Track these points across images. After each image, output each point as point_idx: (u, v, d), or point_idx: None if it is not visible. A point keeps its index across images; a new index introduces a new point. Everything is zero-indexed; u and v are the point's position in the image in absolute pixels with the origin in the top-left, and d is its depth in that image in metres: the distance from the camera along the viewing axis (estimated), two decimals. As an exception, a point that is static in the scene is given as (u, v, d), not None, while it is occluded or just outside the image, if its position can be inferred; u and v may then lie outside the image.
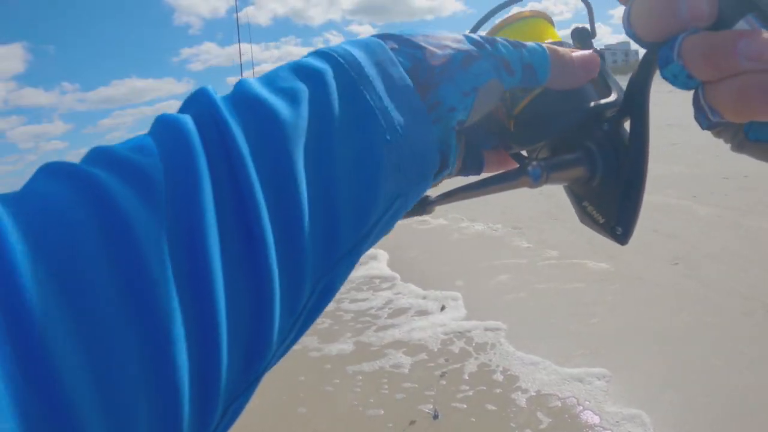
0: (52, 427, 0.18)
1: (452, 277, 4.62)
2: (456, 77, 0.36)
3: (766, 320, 2.95)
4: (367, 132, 0.32)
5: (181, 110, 0.30)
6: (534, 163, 0.40)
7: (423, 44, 0.37)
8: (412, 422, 2.78)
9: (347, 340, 3.98)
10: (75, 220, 0.21)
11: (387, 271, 5.33)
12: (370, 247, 0.37)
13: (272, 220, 0.27)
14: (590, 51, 0.43)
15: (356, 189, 0.32)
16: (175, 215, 0.23)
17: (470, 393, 2.88)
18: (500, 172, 0.44)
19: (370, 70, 0.34)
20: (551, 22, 0.50)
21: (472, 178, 0.48)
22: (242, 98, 0.30)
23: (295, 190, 0.28)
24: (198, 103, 0.30)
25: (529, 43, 0.41)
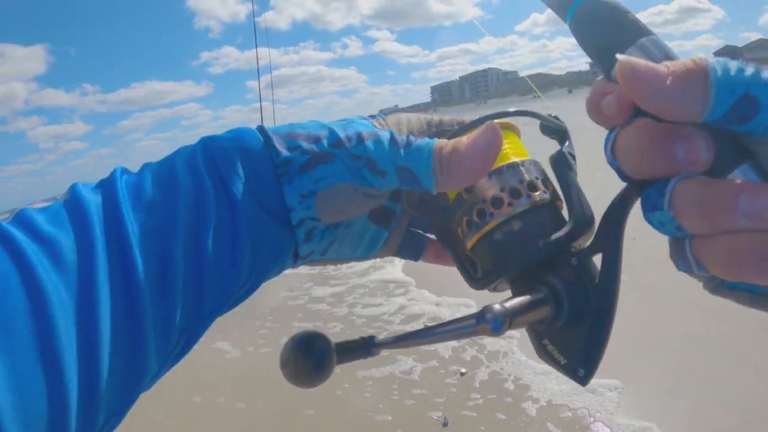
0: None
1: (466, 284, 4.51)
2: (294, 180, 0.38)
3: (782, 333, 2.91)
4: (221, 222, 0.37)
5: (97, 186, 0.36)
6: (495, 308, 0.34)
7: (275, 143, 0.39)
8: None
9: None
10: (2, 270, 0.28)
11: (401, 276, 5.35)
12: (230, 309, 0.40)
13: (150, 288, 0.33)
14: (487, 131, 0.38)
15: (220, 263, 0.36)
16: (76, 279, 0.30)
17: (480, 401, 2.88)
18: (453, 319, 0.38)
19: (236, 157, 0.38)
20: (515, 132, 0.46)
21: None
22: (140, 195, 0.35)
23: (172, 269, 0.34)
24: (107, 189, 0.35)
25: (419, 141, 0.39)
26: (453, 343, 3.57)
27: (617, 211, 0.35)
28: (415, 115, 0.47)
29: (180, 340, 0.36)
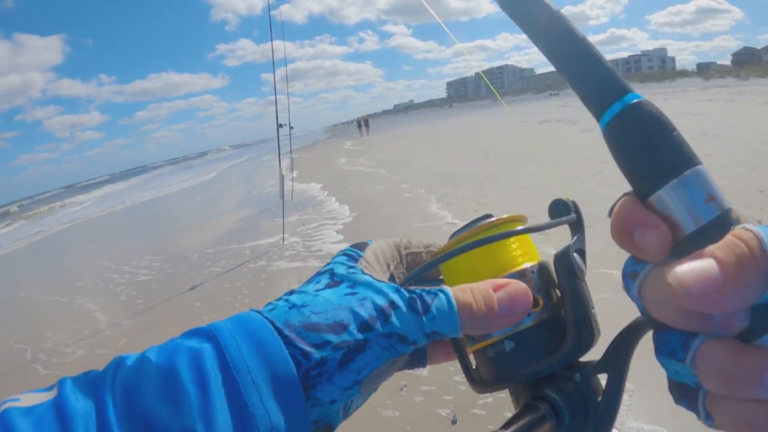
0: None
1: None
2: (334, 378, 0.36)
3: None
4: None
5: (91, 380, 0.35)
6: None
7: (299, 344, 0.36)
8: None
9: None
10: None
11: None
12: None
13: None
14: (519, 287, 0.39)
15: None
16: None
17: (490, 399, 2.85)
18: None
19: (258, 374, 0.35)
20: (524, 222, 0.45)
21: None
22: (131, 411, 0.32)
23: None
24: (97, 393, 0.33)
25: (436, 301, 0.39)
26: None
27: (628, 338, 0.35)
28: (386, 244, 0.49)
29: None
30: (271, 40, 7.13)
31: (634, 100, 0.30)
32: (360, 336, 0.37)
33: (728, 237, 0.26)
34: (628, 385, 2.14)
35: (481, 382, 0.43)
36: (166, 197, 22.56)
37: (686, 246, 0.28)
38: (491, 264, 0.42)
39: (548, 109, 29.37)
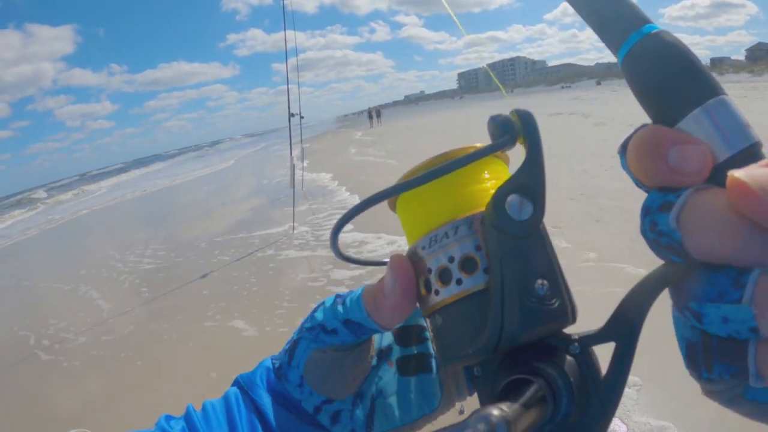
0: None
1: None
2: (288, 376, 0.46)
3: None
4: None
5: None
6: (493, 417, 0.24)
7: (275, 360, 0.51)
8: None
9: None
10: None
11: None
12: None
13: None
14: (389, 269, 0.36)
15: None
16: None
17: (496, 391, 2.85)
18: (449, 426, 0.28)
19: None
20: (503, 161, 0.39)
21: None
22: None
23: None
24: None
25: (353, 293, 0.42)
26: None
27: (644, 295, 0.30)
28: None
29: None
30: (284, 30, 7.12)
31: (653, 31, 0.28)
32: (295, 338, 0.47)
33: None
34: (635, 379, 2.14)
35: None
36: (184, 184, 22.63)
37: (724, 173, 0.23)
38: (451, 202, 0.36)
39: (560, 101, 29.18)
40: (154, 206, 17.11)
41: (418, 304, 0.38)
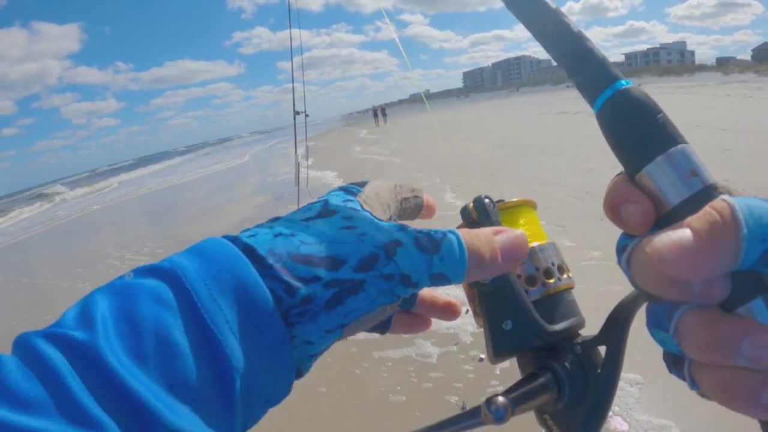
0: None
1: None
2: (319, 319, 0.33)
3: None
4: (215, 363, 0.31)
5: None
6: (498, 401, 0.36)
7: (284, 277, 0.33)
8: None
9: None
10: None
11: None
12: None
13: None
14: (518, 233, 0.40)
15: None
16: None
17: (500, 388, 2.86)
18: (455, 416, 0.39)
19: (231, 314, 0.31)
20: (532, 207, 0.48)
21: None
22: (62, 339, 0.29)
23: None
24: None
25: (445, 239, 0.37)
26: (472, 328, 3.56)
27: (624, 311, 0.38)
28: (386, 185, 0.46)
29: None
30: (290, 28, 7.14)
31: (623, 87, 0.32)
32: (357, 276, 0.34)
33: (705, 208, 0.28)
34: (638, 377, 2.14)
35: (499, 350, 0.45)
36: (194, 181, 22.67)
37: (670, 219, 0.30)
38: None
39: (565, 100, 29.14)
40: (159, 203, 17.15)
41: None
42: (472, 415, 0.37)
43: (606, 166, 7.93)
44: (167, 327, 0.30)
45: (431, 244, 0.36)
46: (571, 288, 0.45)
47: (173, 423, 0.28)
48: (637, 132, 0.31)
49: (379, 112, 39.39)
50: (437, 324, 2.34)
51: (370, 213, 0.39)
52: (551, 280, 0.43)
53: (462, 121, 26.73)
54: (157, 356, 0.29)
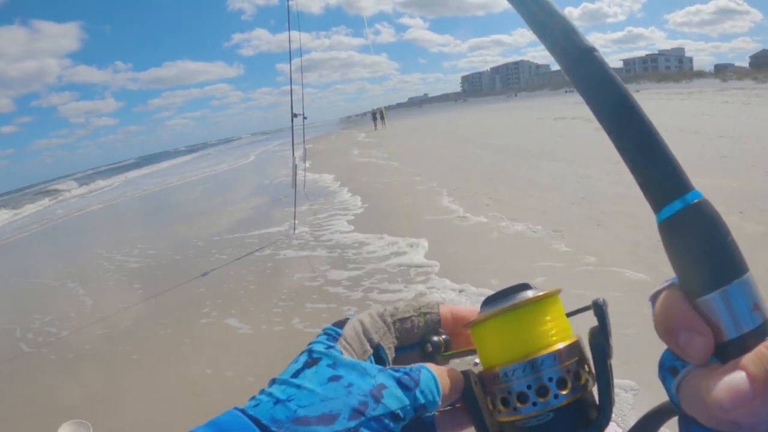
0: None
1: (487, 275, 4.57)
2: None
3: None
4: None
5: None
6: None
7: None
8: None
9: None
10: None
11: (423, 260, 5.32)
12: None
13: None
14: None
15: None
16: None
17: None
18: None
19: None
20: (556, 295, 0.45)
21: None
22: None
23: None
24: None
25: (420, 375, 0.41)
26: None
27: (653, 422, 0.39)
28: (368, 317, 0.49)
29: None
30: (288, 30, 7.14)
31: (695, 200, 0.30)
32: (351, 424, 0.37)
33: (761, 348, 0.28)
34: (632, 383, 2.14)
35: None
36: (192, 182, 22.67)
37: (727, 350, 0.29)
38: (526, 341, 0.43)
39: (564, 106, 29.19)
40: (156, 203, 17.13)
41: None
42: None
43: (603, 172, 7.94)
44: None
45: (411, 381, 0.41)
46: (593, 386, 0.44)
47: None
48: (706, 254, 0.30)
49: (378, 115, 38.64)
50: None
51: (351, 358, 0.43)
52: (564, 391, 0.42)
53: (459, 125, 26.76)
54: None
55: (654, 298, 0.32)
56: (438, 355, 0.51)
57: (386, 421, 0.38)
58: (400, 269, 5.23)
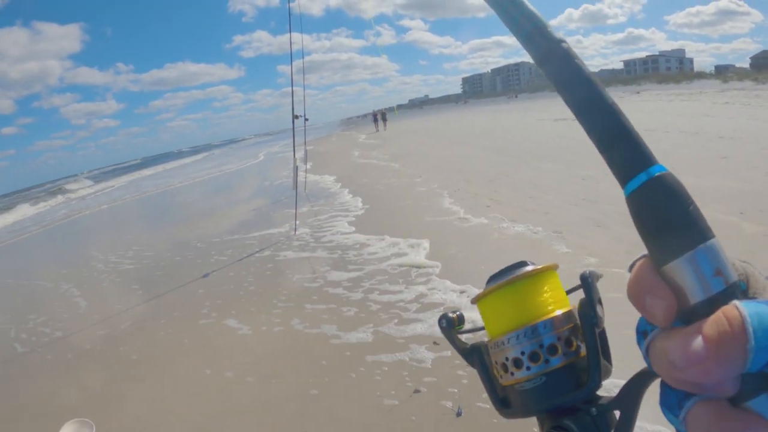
0: None
1: (488, 276, 4.46)
2: None
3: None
4: None
5: None
6: None
7: None
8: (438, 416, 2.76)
9: (366, 330, 4.02)
10: None
11: (425, 262, 5.33)
12: None
13: None
14: None
15: None
16: None
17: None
18: None
19: None
20: (554, 270, 0.50)
21: None
22: None
23: None
24: None
25: None
26: (467, 336, 3.55)
27: (640, 382, 0.41)
28: None
29: None
30: (290, 32, 7.15)
31: (658, 173, 0.32)
32: None
33: (717, 314, 0.29)
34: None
35: (510, 411, 0.49)
36: (196, 183, 22.69)
37: (692, 313, 0.31)
38: (523, 311, 0.47)
39: (564, 107, 28.61)
40: (160, 205, 17.14)
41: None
42: None
43: (603, 173, 7.91)
44: None
45: None
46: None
47: None
48: (669, 223, 0.31)
49: (379, 117, 38.19)
50: (432, 329, 2.34)
51: None
52: (554, 356, 0.45)
53: (459, 127, 26.76)
54: None
55: (630, 269, 0.34)
56: (452, 330, 0.55)
57: None
58: (401, 270, 5.23)
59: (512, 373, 0.47)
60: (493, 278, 0.50)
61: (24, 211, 27.08)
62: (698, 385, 0.29)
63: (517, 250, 5.22)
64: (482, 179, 9.49)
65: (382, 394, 3.10)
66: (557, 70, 0.36)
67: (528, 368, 0.45)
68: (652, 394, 0.40)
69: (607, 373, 0.45)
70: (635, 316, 0.36)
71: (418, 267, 5.20)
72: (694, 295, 0.31)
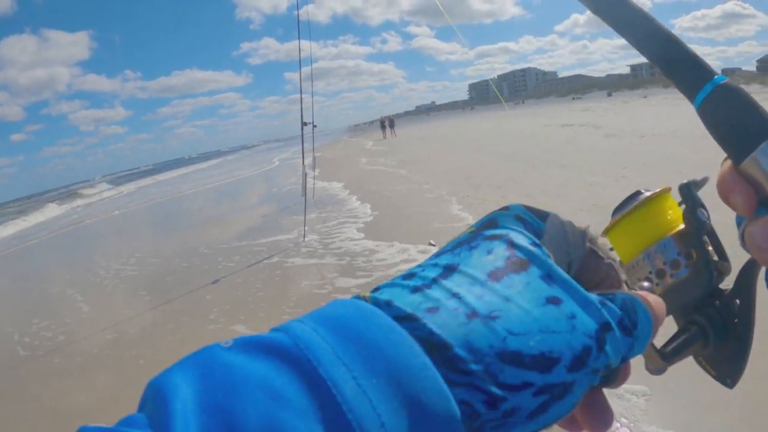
0: None
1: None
2: (519, 426, 0.26)
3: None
4: None
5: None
6: (657, 360, 0.46)
7: (489, 387, 0.24)
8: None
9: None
10: None
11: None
12: None
13: None
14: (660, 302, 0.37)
15: None
16: None
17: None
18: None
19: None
20: (668, 192, 0.53)
21: None
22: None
23: None
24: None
25: (642, 318, 0.30)
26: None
27: (750, 270, 0.45)
28: (572, 227, 0.40)
29: None
30: (299, 39, 7.19)
31: (721, 81, 0.35)
32: (568, 377, 0.26)
33: None
34: (644, 388, 2.13)
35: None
36: (203, 191, 22.76)
37: None
38: (657, 228, 0.50)
39: (571, 112, 29.12)
40: (170, 211, 17.19)
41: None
42: None
43: (611, 179, 7.91)
44: None
45: (630, 322, 0.29)
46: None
47: None
48: (738, 122, 0.34)
49: (387, 124, 36.41)
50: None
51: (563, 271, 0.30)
52: (687, 263, 0.48)
53: (466, 133, 26.74)
54: None
55: None
56: None
57: (598, 375, 0.28)
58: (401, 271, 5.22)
59: (671, 275, 0.49)
60: (618, 209, 0.54)
61: (50, 212, 28.85)
62: None
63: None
64: (490, 185, 9.47)
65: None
66: (615, 14, 0.40)
67: (657, 284, 0.49)
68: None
69: (727, 270, 0.48)
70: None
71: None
72: None
